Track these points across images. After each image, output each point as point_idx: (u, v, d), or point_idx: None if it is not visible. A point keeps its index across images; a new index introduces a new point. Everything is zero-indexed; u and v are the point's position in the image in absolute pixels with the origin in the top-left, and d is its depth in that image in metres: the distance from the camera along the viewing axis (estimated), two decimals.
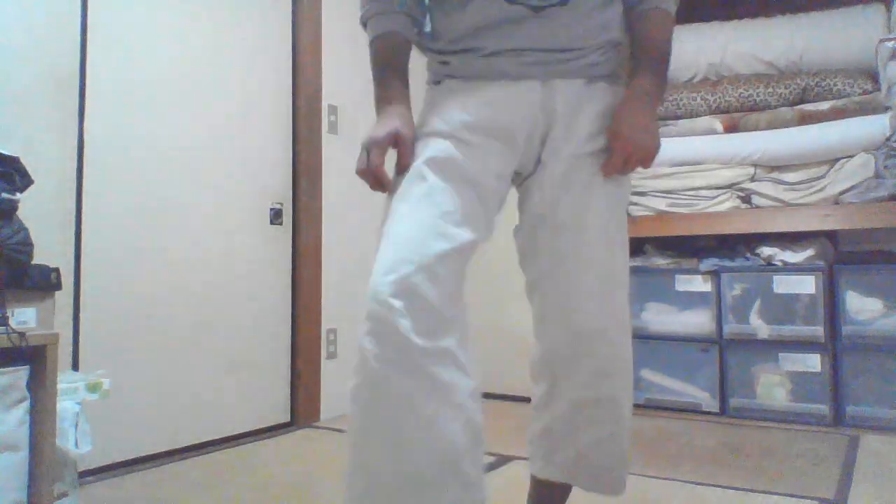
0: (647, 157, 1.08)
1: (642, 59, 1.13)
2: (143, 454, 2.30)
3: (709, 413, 3.00)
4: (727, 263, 3.04)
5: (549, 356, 1.14)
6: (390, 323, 0.91)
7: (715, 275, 3.04)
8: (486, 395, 3.36)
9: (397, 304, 0.91)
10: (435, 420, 0.91)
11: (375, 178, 1.07)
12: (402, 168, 1.08)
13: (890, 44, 2.71)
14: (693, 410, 3.04)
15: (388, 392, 0.91)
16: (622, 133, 1.06)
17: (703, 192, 3.11)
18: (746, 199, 3.05)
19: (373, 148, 1.05)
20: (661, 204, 3.19)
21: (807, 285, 2.85)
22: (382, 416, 0.93)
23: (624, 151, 1.06)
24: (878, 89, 2.86)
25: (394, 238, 0.99)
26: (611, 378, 1.09)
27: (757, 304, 2.95)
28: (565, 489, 1.24)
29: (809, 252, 2.91)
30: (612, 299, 1.09)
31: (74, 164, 2.15)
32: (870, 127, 2.79)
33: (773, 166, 3.00)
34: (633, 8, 1.16)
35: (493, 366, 3.35)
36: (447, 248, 0.97)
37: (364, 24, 1.17)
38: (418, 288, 0.93)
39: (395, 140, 1.06)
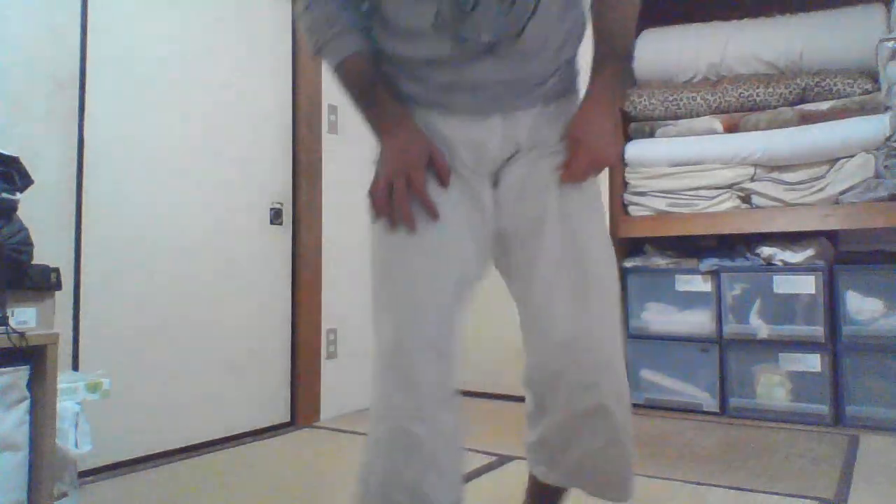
0: (606, 161, 1.03)
1: (602, 55, 1.06)
2: (143, 454, 2.30)
3: (709, 413, 3.00)
4: (727, 263, 3.04)
5: (534, 370, 1.10)
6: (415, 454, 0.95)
7: (715, 275, 3.04)
8: (486, 396, 3.36)
9: (420, 430, 0.95)
10: None
11: (408, 209, 0.99)
12: (445, 183, 1.01)
13: (890, 44, 2.71)
14: (693, 410, 3.04)
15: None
16: (580, 138, 1.02)
17: (703, 192, 3.10)
18: (746, 199, 3.05)
19: (409, 171, 0.98)
20: (661, 204, 3.19)
21: (807, 285, 2.85)
22: None
23: (583, 157, 1.01)
24: (878, 89, 2.86)
25: (400, 338, 0.98)
26: (596, 387, 1.04)
27: (757, 304, 2.95)
28: (564, 489, 1.24)
29: (809, 252, 2.90)
30: (587, 303, 1.03)
31: (74, 164, 2.15)
32: (870, 127, 2.79)
33: (773, 166, 3.00)
34: None
35: (492, 366, 3.34)
36: (454, 331, 0.99)
37: (319, 51, 1.06)
38: (436, 421, 0.97)
39: (432, 156, 0.99)
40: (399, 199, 0.99)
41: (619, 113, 1.04)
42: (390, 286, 1.00)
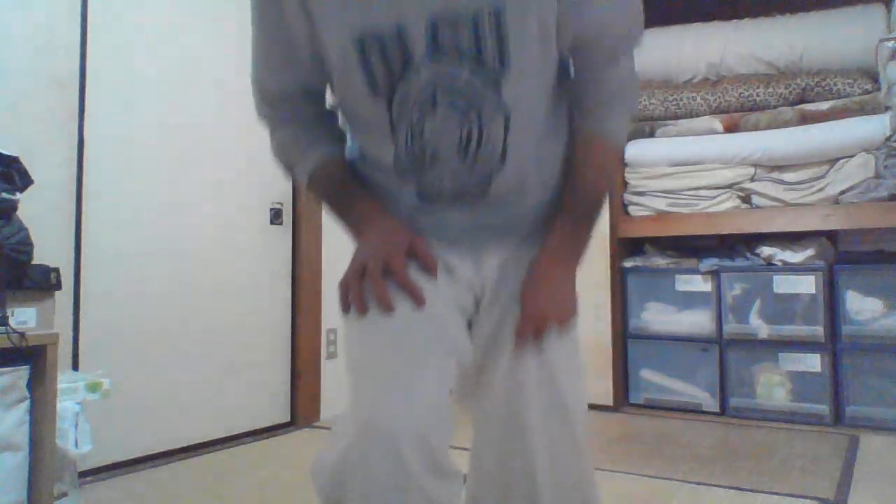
0: (557, 323, 0.90)
1: (569, 207, 0.93)
2: (143, 454, 2.30)
3: (709, 413, 3.00)
4: (727, 263, 3.04)
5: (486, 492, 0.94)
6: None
7: (715, 275, 3.04)
8: None
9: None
10: None
11: (383, 290, 0.84)
12: (431, 270, 0.89)
13: (890, 44, 2.71)
14: (693, 410, 3.04)
15: None
16: (532, 300, 0.90)
17: (703, 192, 3.11)
18: (746, 199, 3.05)
19: (388, 256, 0.85)
20: (661, 204, 3.19)
21: (807, 285, 2.85)
22: None
23: (534, 321, 0.89)
24: (878, 89, 2.87)
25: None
26: None
27: (757, 303, 2.95)
28: None
29: (809, 252, 2.91)
30: (559, 429, 0.90)
31: (74, 164, 2.15)
32: (870, 127, 2.79)
33: (774, 166, 3.00)
34: (572, 125, 0.94)
35: None
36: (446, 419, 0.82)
37: (290, 171, 0.98)
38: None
39: (413, 244, 0.88)
40: (374, 280, 0.85)
41: (576, 268, 0.94)
42: (367, 380, 0.83)
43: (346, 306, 0.89)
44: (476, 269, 0.94)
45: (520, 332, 0.90)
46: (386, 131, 0.85)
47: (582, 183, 0.92)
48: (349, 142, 0.99)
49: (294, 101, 0.94)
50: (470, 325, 0.95)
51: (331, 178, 0.95)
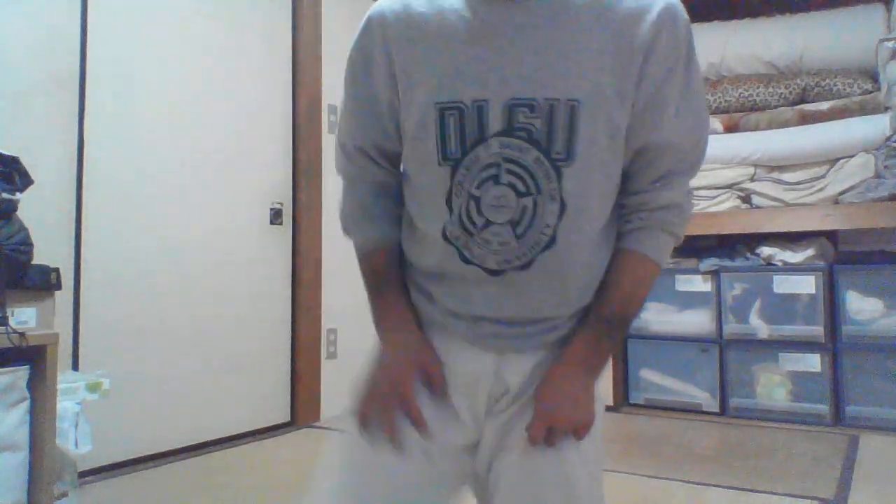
0: (573, 429, 0.88)
1: (597, 315, 0.91)
2: (143, 454, 2.30)
3: (709, 413, 3.00)
4: (727, 263, 3.04)
5: None
6: None
7: (715, 275, 3.04)
8: None
9: None
10: None
11: (393, 415, 0.87)
12: (435, 393, 0.91)
13: (890, 44, 2.71)
14: (693, 410, 3.04)
15: None
16: (546, 399, 0.88)
17: (703, 192, 3.11)
18: (746, 199, 3.05)
19: (400, 380, 0.89)
20: None
21: (807, 285, 2.85)
22: None
23: (546, 420, 0.87)
24: (878, 89, 2.87)
25: None
26: None
27: (757, 304, 2.95)
28: None
29: (809, 252, 2.90)
30: None
31: (74, 164, 2.15)
32: (870, 127, 2.79)
33: (773, 166, 3.00)
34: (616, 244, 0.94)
35: None
36: None
37: (346, 232, 1.03)
38: None
39: (427, 365, 0.90)
40: (384, 413, 0.88)
41: (595, 378, 0.92)
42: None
43: (363, 427, 0.90)
44: (503, 367, 0.92)
45: (532, 431, 0.88)
46: (442, 200, 0.88)
47: (617, 294, 0.92)
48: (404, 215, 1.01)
49: (369, 157, 0.98)
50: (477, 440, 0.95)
51: (375, 269, 0.99)
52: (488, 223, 0.87)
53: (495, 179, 0.85)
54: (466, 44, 0.84)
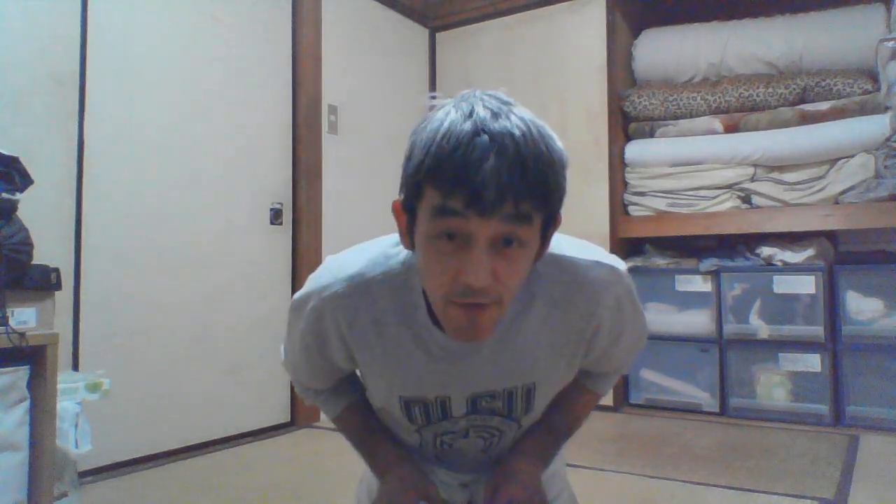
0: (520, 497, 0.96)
1: (548, 428, 1.02)
2: (143, 454, 2.30)
3: (709, 413, 3.00)
4: (727, 263, 3.04)
5: None
6: None
7: (715, 275, 3.04)
8: None
9: None
10: None
11: None
12: None
13: (890, 44, 2.71)
14: (693, 410, 3.04)
15: None
16: (499, 482, 0.96)
17: (703, 192, 3.11)
18: (746, 199, 3.05)
19: None
20: (661, 204, 3.19)
21: (807, 285, 2.85)
22: None
23: (495, 501, 0.95)
24: (878, 89, 2.86)
25: None
26: None
27: (757, 304, 2.95)
28: None
29: (809, 252, 2.90)
30: None
31: (74, 164, 2.15)
32: (870, 127, 2.79)
33: (773, 166, 3.00)
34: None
35: None
36: None
37: (322, 403, 1.10)
38: None
39: (425, 497, 0.95)
40: None
41: (542, 470, 1.01)
42: None
43: None
44: (476, 481, 1.05)
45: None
46: (412, 432, 0.98)
47: (567, 418, 1.04)
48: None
49: (330, 387, 1.06)
50: None
51: (353, 424, 1.06)
52: (461, 452, 1.00)
53: (464, 436, 0.97)
54: (426, 360, 0.88)
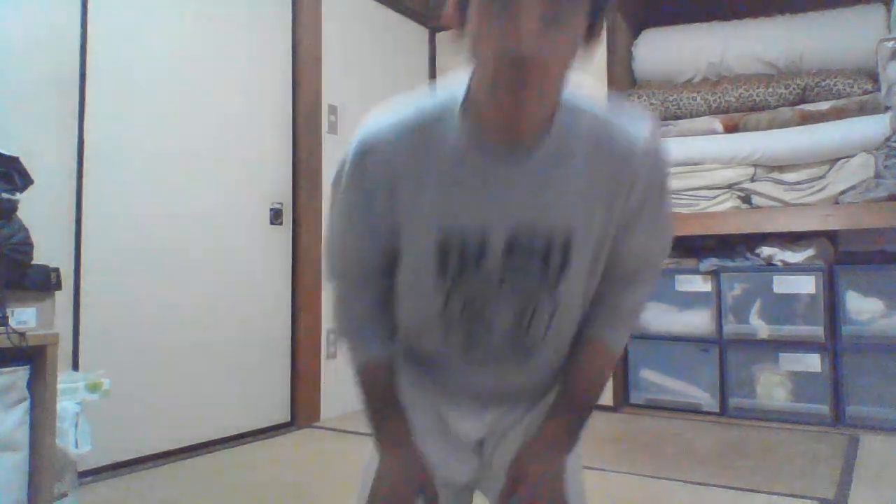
0: (543, 481, 0.95)
1: (566, 405, 0.99)
2: (143, 454, 2.30)
3: (709, 413, 3.00)
4: (727, 263, 3.04)
5: None
6: None
7: (715, 275, 3.04)
8: None
9: None
10: None
11: None
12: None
13: (890, 44, 2.71)
14: (693, 410, 3.04)
15: None
16: (517, 473, 0.95)
17: (703, 192, 3.10)
18: (746, 199, 3.05)
19: (399, 498, 0.95)
20: None
21: (807, 285, 2.85)
22: None
23: (514, 486, 0.95)
24: (878, 89, 2.86)
25: None
26: None
27: (757, 304, 2.95)
28: None
29: (809, 252, 2.90)
30: None
31: (74, 164, 2.15)
32: (870, 127, 2.79)
33: (773, 166, 3.00)
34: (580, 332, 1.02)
35: None
36: None
37: (342, 341, 1.08)
38: None
39: (423, 485, 0.95)
40: None
41: (565, 457, 0.99)
42: None
43: None
44: (493, 419, 1.02)
45: (501, 498, 0.96)
46: (439, 302, 0.94)
47: (582, 383, 1.01)
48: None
49: (365, 277, 1.02)
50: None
51: (375, 383, 1.02)
52: (490, 326, 0.95)
53: (499, 286, 0.92)
54: (468, 183, 0.88)
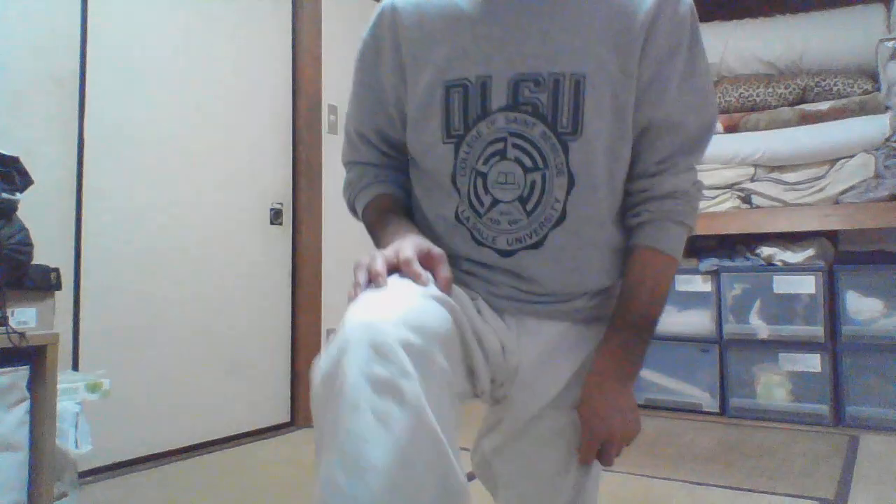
0: (625, 440, 0.88)
1: (622, 322, 0.90)
2: (143, 454, 2.30)
3: (709, 413, 3.00)
4: (727, 263, 3.04)
5: None
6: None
7: (715, 275, 3.04)
8: None
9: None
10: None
11: (382, 270, 0.75)
12: (445, 283, 0.77)
13: (890, 44, 2.71)
14: (693, 410, 3.04)
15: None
16: (594, 417, 0.86)
17: (703, 192, 3.10)
18: (746, 199, 3.05)
19: (398, 251, 0.78)
20: None
21: (807, 285, 2.85)
22: None
23: (598, 437, 0.86)
24: (878, 89, 2.87)
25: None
26: None
27: (757, 304, 2.95)
28: None
29: (809, 252, 2.90)
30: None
31: (74, 164, 2.15)
32: (870, 127, 2.79)
33: (774, 166, 3.00)
34: (629, 239, 0.92)
35: None
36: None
37: (352, 205, 1.02)
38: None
39: (427, 252, 0.80)
40: (376, 267, 0.76)
41: (633, 382, 0.90)
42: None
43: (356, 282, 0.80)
44: (521, 332, 0.90)
45: (584, 450, 0.87)
46: (448, 180, 0.89)
47: (638, 295, 0.90)
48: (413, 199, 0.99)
49: (371, 144, 1.00)
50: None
51: (381, 207, 0.96)
52: (495, 202, 0.87)
53: (501, 154, 0.86)
54: (472, 24, 0.86)
